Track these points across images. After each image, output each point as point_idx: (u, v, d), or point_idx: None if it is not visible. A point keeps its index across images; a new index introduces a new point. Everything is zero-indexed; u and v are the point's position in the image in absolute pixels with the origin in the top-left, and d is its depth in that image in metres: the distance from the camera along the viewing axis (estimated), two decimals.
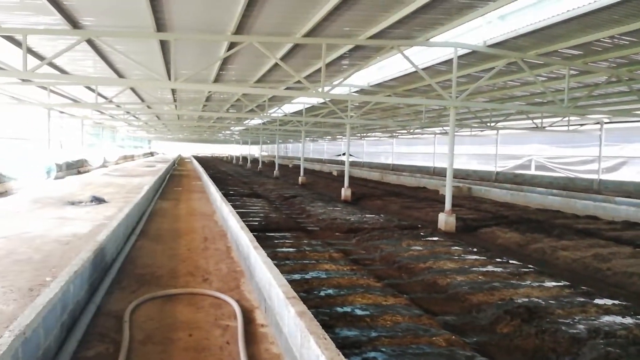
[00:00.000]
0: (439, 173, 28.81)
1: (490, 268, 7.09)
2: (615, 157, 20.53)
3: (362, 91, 15.48)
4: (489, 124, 21.45)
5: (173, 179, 22.49)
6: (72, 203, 11.39)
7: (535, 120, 20.49)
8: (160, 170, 24.88)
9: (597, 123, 20.72)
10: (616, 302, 5.60)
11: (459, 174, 26.76)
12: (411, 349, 4.07)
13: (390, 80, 13.94)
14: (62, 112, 23.80)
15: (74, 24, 8.71)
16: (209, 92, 18.30)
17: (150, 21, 8.32)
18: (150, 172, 25.81)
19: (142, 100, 21.23)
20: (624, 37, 8.58)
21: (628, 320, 4.98)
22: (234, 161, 60.48)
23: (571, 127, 21.35)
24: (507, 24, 8.99)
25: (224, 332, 4.07)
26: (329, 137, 45.04)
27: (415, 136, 33.77)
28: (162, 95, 20.06)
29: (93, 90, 16.51)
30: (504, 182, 22.98)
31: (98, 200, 11.82)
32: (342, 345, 3.95)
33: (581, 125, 21.56)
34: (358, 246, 8.76)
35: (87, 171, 24.92)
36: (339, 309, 4.98)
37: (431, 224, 11.11)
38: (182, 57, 11.36)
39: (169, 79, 10.74)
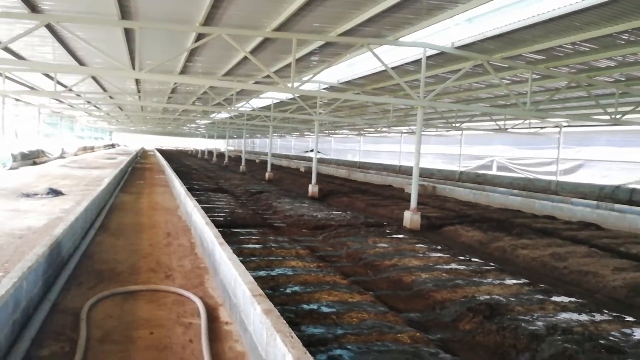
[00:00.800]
0: (405, 171, 29.21)
1: (453, 266, 7.22)
2: (572, 159, 21.35)
3: (331, 88, 15.48)
4: (454, 125, 21.91)
5: (135, 172, 21.87)
6: (27, 195, 10.89)
7: (498, 122, 21.07)
8: (122, 162, 24.15)
9: (556, 126, 21.49)
10: (572, 299, 5.80)
11: (424, 173, 27.21)
12: (376, 346, 4.08)
13: (360, 78, 13.99)
14: (17, 100, 22.72)
15: (33, 7, 8.30)
16: (175, 83, 17.88)
17: (114, 8, 8.03)
18: (111, 164, 25.03)
19: (104, 89, 20.54)
20: (584, 44, 8.90)
21: (583, 317, 5.16)
22: (199, 155, 59.48)
23: (532, 130, 22.08)
24: (474, 27, 9.16)
25: (187, 330, 3.96)
26: (297, 133, 44.93)
27: (382, 134, 34.11)
28: (126, 85, 19.45)
29: (52, 78, 15.84)
30: (467, 182, 23.52)
31: (55, 192, 11.36)
32: (308, 342, 3.92)
33: (541, 128, 22.31)
34: (325, 243, 8.75)
35: (44, 162, 23.91)
36: (305, 306, 4.94)
37: (397, 222, 11.23)
38: (147, 46, 11.03)
39: (133, 68, 10.40)
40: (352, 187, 20.78)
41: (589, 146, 20.80)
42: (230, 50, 11.20)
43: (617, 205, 13.89)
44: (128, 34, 10.11)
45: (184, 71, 14.04)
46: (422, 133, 11.01)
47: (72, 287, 4.85)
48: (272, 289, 5.46)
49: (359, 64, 12.93)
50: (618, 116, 12.62)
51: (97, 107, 29.00)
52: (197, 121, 39.43)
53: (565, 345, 4.19)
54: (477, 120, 22.90)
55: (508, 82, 12.81)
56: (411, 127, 25.91)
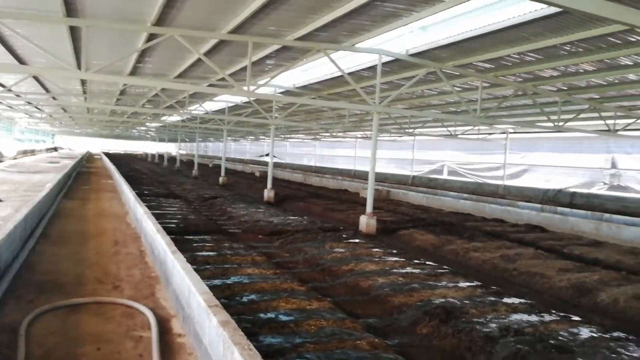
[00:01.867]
0: (360, 176, 29.50)
1: (409, 269, 7.30)
2: (518, 164, 22.31)
3: (287, 92, 15.39)
4: (407, 130, 22.36)
5: (80, 177, 20.87)
6: None
7: (449, 128, 21.70)
8: (66, 166, 23.00)
9: (503, 133, 22.39)
10: (522, 300, 5.99)
11: (378, 177, 27.42)
12: (336, 354, 4.02)
13: (316, 83, 13.99)
14: None
15: None
16: (124, 85, 17.21)
17: (59, 5, 7.61)
18: (53, 168, 23.79)
19: (47, 90, 19.48)
20: (530, 54, 9.29)
21: (533, 318, 5.33)
22: (150, 159, 57.64)
23: (480, 136, 22.89)
24: (428, 35, 9.36)
25: (137, 344, 3.75)
26: (252, 137, 44.48)
27: (337, 139, 34.35)
28: (71, 86, 18.53)
29: None
30: (420, 186, 24.06)
31: None
32: (267, 353, 3.81)
33: (489, 134, 23.18)
34: (281, 249, 8.64)
35: None
36: (263, 315, 4.82)
37: (353, 226, 11.27)
38: (94, 46, 10.54)
39: (79, 68, 9.90)
40: (309, 192, 20.76)
41: (534, 152, 21.84)
42: (183, 52, 10.89)
43: (559, 208, 14.60)
44: (74, 32, 9.62)
45: (134, 72, 13.53)
46: (377, 138, 11.13)
47: (10, 301, 4.49)
48: (227, 298, 5.30)
49: (315, 69, 12.93)
50: (560, 123, 13.27)
51: (39, 109, 27.53)
52: (147, 124, 38.22)
53: (518, 347, 4.30)
54: (429, 126, 23.49)
55: (459, 89, 13.19)
56: (366, 132, 26.24)
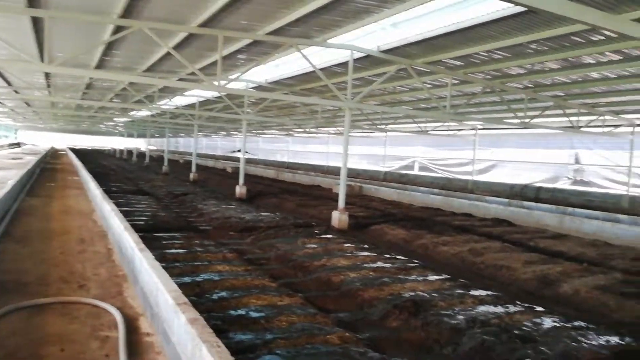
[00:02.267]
0: (332, 172, 29.57)
1: (380, 264, 7.38)
2: (486, 160, 22.82)
3: (259, 87, 15.28)
4: (378, 126, 22.54)
5: (45, 174, 20.21)
6: None
7: (420, 124, 21.98)
8: (29, 163, 22.22)
9: (472, 129, 22.84)
10: (489, 292, 6.15)
11: (351, 173, 27.56)
12: (306, 349, 4.03)
13: (288, 78, 13.94)
14: None
15: None
16: (90, 78, 16.74)
17: None
18: (16, 164, 22.95)
19: (9, 83, 18.74)
20: (497, 52, 9.49)
21: (499, 309, 5.47)
22: (118, 155, 56.31)
23: (450, 132, 23.27)
24: (399, 32, 9.43)
25: (103, 344, 3.67)
26: (224, 133, 43.98)
27: (310, 135, 34.33)
28: (34, 79, 17.90)
29: None
30: (391, 182, 24.31)
31: None
32: (237, 350, 3.79)
33: (459, 130, 23.60)
34: (253, 245, 8.59)
35: None
36: (233, 312, 4.80)
37: (325, 222, 11.31)
38: (58, 37, 10.21)
39: (42, 61, 9.58)
40: (281, 188, 20.70)
41: (501, 148, 22.38)
42: (152, 45, 10.66)
43: (525, 203, 15.01)
44: (37, 23, 9.28)
45: (100, 65, 13.17)
46: (349, 134, 11.18)
47: None
48: (197, 295, 5.24)
49: (287, 65, 12.86)
50: (526, 120, 13.64)
51: (1, 103, 26.49)
52: (115, 119, 37.31)
53: (484, 337, 4.41)
54: (400, 122, 23.73)
55: (429, 86, 13.36)
56: (339, 128, 26.32)
